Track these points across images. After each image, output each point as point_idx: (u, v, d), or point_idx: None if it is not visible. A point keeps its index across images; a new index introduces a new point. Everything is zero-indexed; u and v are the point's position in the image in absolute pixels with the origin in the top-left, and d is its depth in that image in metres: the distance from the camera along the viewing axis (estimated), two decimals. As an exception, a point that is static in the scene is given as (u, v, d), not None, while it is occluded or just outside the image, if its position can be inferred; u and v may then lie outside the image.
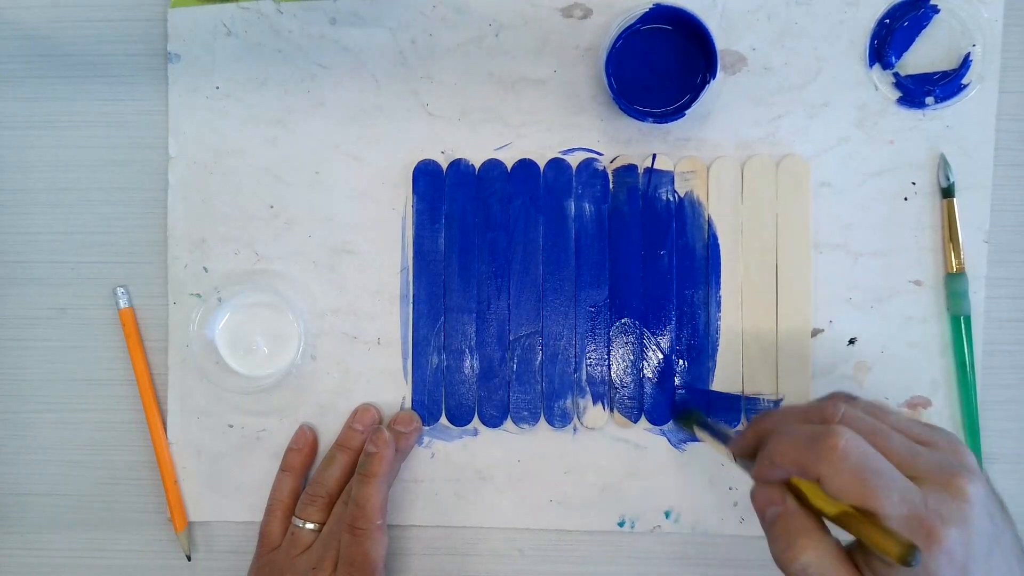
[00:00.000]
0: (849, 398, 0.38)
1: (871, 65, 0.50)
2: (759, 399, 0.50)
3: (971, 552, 0.32)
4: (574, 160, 0.50)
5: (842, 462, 0.33)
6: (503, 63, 0.51)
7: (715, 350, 0.50)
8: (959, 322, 0.49)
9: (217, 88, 0.51)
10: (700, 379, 0.50)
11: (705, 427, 0.46)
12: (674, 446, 0.50)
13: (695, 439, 0.50)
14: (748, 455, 0.39)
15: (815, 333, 0.50)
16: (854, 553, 0.34)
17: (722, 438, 0.43)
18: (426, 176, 0.51)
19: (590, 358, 0.50)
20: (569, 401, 0.50)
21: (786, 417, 0.38)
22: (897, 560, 0.30)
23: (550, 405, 0.50)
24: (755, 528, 0.50)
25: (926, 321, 0.50)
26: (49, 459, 0.53)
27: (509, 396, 0.50)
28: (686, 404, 0.50)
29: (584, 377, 0.50)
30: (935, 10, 0.49)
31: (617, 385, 0.50)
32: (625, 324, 0.50)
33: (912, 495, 0.32)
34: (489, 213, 0.51)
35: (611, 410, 0.50)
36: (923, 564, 0.31)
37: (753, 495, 0.37)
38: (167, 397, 0.52)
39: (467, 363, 0.51)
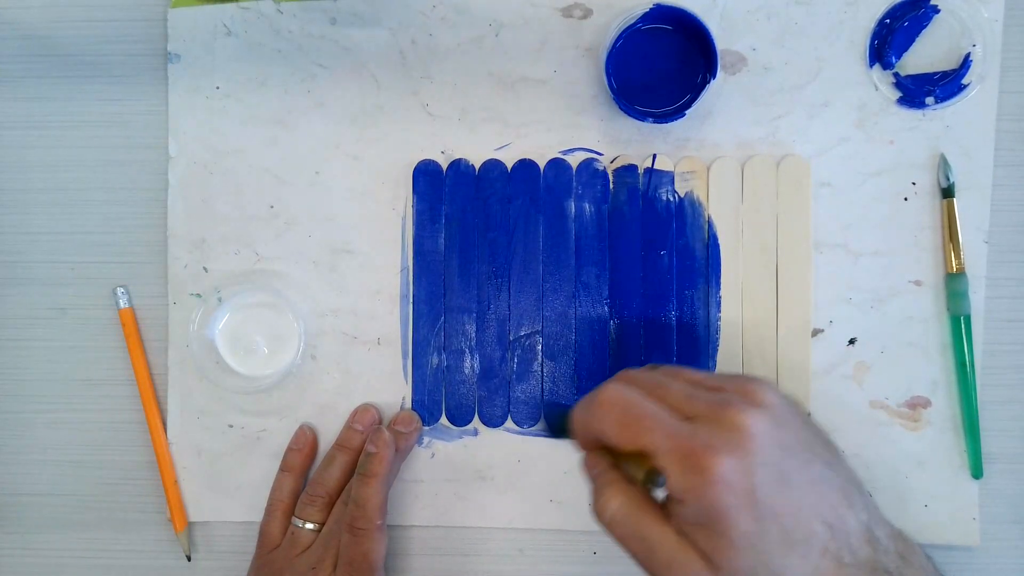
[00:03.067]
0: (652, 368, 0.40)
1: (871, 65, 0.50)
2: (759, 399, 0.50)
3: (756, 480, 0.32)
4: (574, 160, 0.50)
5: (609, 412, 0.36)
6: (503, 63, 0.51)
7: (715, 350, 0.50)
8: (959, 322, 0.49)
9: (217, 88, 0.51)
10: (700, 379, 0.50)
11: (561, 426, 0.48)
12: (674, 446, 0.51)
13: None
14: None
15: (815, 333, 0.50)
16: (670, 513, 0.35)
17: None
18: (426, 176, 0.51)
19: (590, 358, 0.50)
20: (569, 401, 0.50)
21: (579, 403, 0.39)
22: (644, 486, 0.33)
23: (550, 405, 0.50)
24: (755, 528, 0.50)
25: (926, 321, 0.50)
26: (49, 459, 0.53)
27: (509, 396, 0.50)
28: (556, 407, 0.50)
29: (584, 377, 0.50)
30: (935, 10, 0.49)
31: (617, 385, 0.50)
32: (625, 324, 0.50)
33: (679, 430, 0.33)
34: (489, 213, 0.51)
35: (611, 410, 0.50)
36: (699, 496, 0.32)
37: (582, 465, 0.39)
38: (167, 397, 0.52)
39: (467, 363, 0.51)
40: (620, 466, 0.37)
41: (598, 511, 0.36)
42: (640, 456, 0.35)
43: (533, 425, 0.51)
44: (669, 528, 0.34)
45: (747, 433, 0.33)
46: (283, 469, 0.51)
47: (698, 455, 0.32)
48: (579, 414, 0.38)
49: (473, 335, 0.51)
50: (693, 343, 0.50)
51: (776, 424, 0.34)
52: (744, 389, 0.35)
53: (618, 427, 0.35)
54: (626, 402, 0.35)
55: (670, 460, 0.33)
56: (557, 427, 0.50)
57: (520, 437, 0.51)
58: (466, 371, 0.51)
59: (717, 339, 0.50)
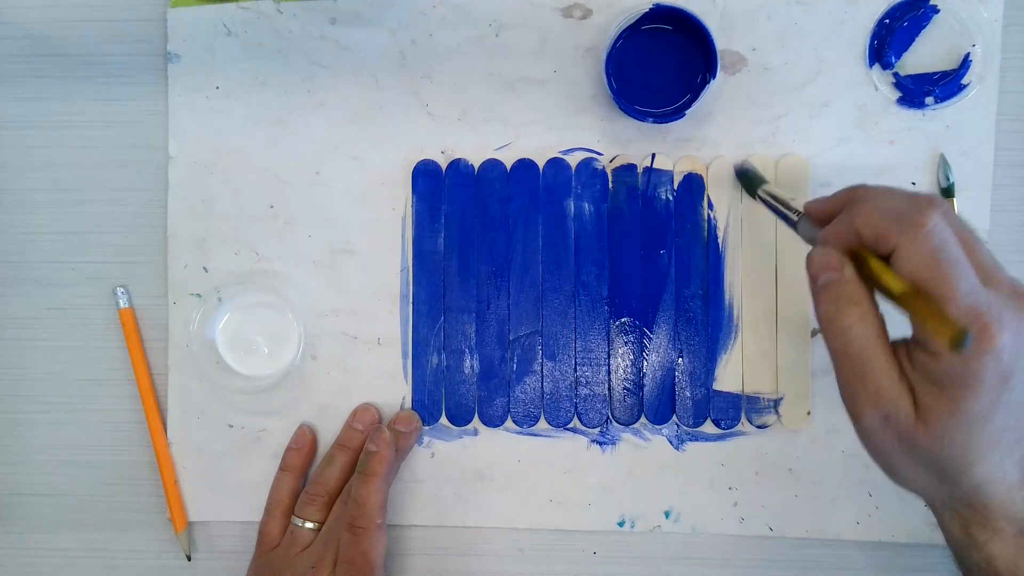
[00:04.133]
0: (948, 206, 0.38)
1: (871, 65, 0.50)
2: (759, 398, 0.50)
3: (1020, 360, 0.32)
4: (574, 160, 0.50)
5: (925, 240, 0.33)
6: (503, 63, 0.51)
7: (715, 350, 0.50)
8: (959, 322, 0.49)
9: (217, 88, 0.51)
10: (700, 379, 0.50)
11: (770, 193, 0.45)
12: (674, 446, 0.51)
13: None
14: (821, 219, 0.38)
15: (815, 333, 0.50)
16: (896, 346, 0.34)
17: (784, 204, 0.43)
18: (426, 176, 0.51)
19: (589, 358, 0.50)
20: (568, 401, 0.50)
21: (882, 190, 0.37)
22: (948, 342, 0.30)
23: (550, 405, 0.50)
24: (755, 528, 0.50)
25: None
26: (49, 459, 0.53)
27: (509, 396, 0.50)
28: (752, 169, 0.48)
29: (584, 377, 0.50)
30: (935, 10, 0.49)
31: (617, 385, 0.50)
32: (625, 324, 0.50)
33: (980, 292, 0.32)
34: (489, 213, 0.51)
35: (611, 409, 0.50)
36: (966, 360, 0.32)
37: (811, 256, 0.36)
38: (167, 397, 0.52)
39: (467, 363, 0.51)
40: (865, 278, 0.35)
41: (828, 319, 0.35)
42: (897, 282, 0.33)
43: (533, 425, 0.51)
44: (895, 364, 0.34)
45: None
46: (283, 469, 0.51)
47: (987, 322, 0.31)
48: (875, 214, 0.34)
49: (473, 335, 0.51)
50: (693, 343, 0.50)
51: None
52: None
53: (927, 261, 0.32)
54: (945, 242, 0.33)
55: (958, 315, 0.32)
56: (746, 182, 0.48)
57: (520, 437, 0.51)
58: (466, 371, 0.51)
59: (717, 339, 0.50)
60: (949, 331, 0.30)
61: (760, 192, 0.46)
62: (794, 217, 0.41)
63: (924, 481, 0.35)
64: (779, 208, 0.43)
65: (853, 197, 0.37)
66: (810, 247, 0.38)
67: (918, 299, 0.32)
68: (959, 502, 0.35)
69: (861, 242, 0.35)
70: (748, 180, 0.48)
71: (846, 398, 0.35)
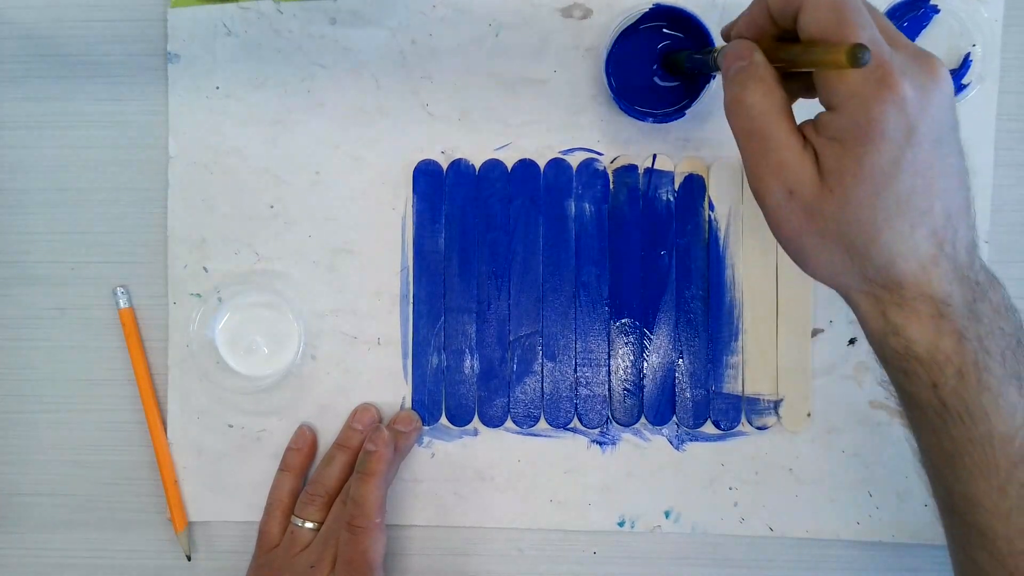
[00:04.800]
0: None
1: (871, 65, 0.49)
2: (759, 399, 0.50)
3: (923, 117, 0.31)
4: (574, 160, 0.50)
5: None
6: (503, 63, 0.51)
7: (715, 350, 0.50)
8: (959, 322, 0.49)
9: (217, 88, 0.51)
10: (700, 379, 0.50)
11: (692, 57, 0.45)
12: (674, 446, 0.51)
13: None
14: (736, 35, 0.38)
15: (815, 333, 0.50)
16: (803, 125, 0.34)
17: (704, 54, 0.42)
18: (426, 176, 0.51)
19: (590, 358, 0.50)
20: (569, 401, 0.50)
21: None
22: (845, 58, 0.29)
23: (550, 405, 0.50)
24: (755, 528, 0.50)
25: None
26: (49, 459, 0.53)
27: (509, 396, 0.50)
28: (670, 48, 0.48)
29: (584, 377, 0.50)
30: (935, 10, 0.49)
31: (617, 385, 0.50)
32: (625, 324, 0.50)
33: (881, 43, 0.32)
34: (489, 213, 0.51)
35: (611, 410, 0.50)
36: (866, 106, 0.31)
37: (724, 52, 0.36)
38: (167, 397, 0.52)
39: (467, 363, 0.51)
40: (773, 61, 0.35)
41: (732, 100, 0.35)
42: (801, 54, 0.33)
43: (533, 425, 0.51)
44: (798, 136, 0.33)
45: (939, 82, 0.32)
46: (282, 468, 0.51)
47: (889, 71, 0.31)
48: None
49: (473, 335, 0.51)
50: (693, 343, 0.50)
51: (952, 102, 0.33)
52: (929, 56, 0.34)
53: (827, 8, 0.32)
54: None
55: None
56: (672, 62, 0.48)
57: (520, 437, 0.51)
58: (466, 371, 0.51)
59: (717, 339, 0.50)
60: (844, 51, 0.30)
61: (686, 63, 0.46)
62: (715, 54, 0.40)
63: (835, 261, 0.34)
64: (702, 60, 0.42)
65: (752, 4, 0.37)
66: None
67: (816, 45, 0.32)
68: (873, 283, 0.34)
69: (771, 22, 0.35)
70: (674, 62, 0.47)
71: (751, 179, 0.35)
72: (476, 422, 0.51)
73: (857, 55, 0.29)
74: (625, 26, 0.48)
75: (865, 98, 0.31)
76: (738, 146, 0.35)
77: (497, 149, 0.51)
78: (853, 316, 0.49)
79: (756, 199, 0.35)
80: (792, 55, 0.34)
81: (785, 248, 0.36)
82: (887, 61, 0.31)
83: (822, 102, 0.34)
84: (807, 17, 0.33)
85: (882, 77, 0.31)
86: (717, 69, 0.39)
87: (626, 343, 0.50)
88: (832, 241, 0.34)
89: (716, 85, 0.48)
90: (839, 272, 0.35)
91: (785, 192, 0.33)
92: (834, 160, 0.32)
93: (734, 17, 0.49)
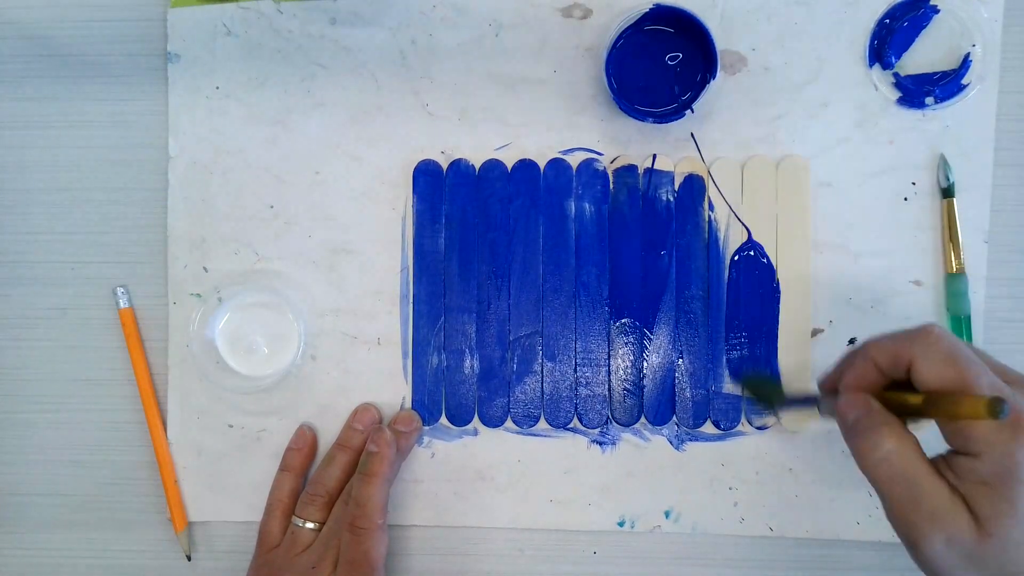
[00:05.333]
0: None
1: (871, 65, 0.50)
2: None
3: None
4: (574, 160, 0.50)
5: (936, 344, 0.35)
6: (503, 63, 0.51)
7: (715, 350, 0.50)
8: (959, 322, 0.49)
9: (217, 88, 0.51)
10: (700, 379, 0.50)
11: (786, 400, 0.47)
12: (674, 446, 0.51)
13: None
14: (834, 387, 0.40)
15: (815, 333, 0.50)
16: (936, 461, 0.35)
17: (803, 400, 0.43)
18: (426, 176, 0.51)
19: (590, 358, 0.50)
20: (569, 401, 0.50)
21: (880, 335, 0.38)
22: (986, 413, 0.30)
23: (550, 405, 0.50)
24: (755, 528, 0.50)
25: (925, 321, 0.49)
26: (49, 459, 0.53)
27: (509, 396, 0.50)
28: (763, 376, 0.49)
29: (584, 377, 0.50)
30: (935, 10, 0.49)
31: (617, 385, 0.50)
32: (625, 324, 0.50)
33: (1002, 386, 0.33)
34: (489, 213, 0.51)
35: (611, 410, 0.50)
36: (1005, 453, 0.32)
37: (838, 405, 0.37)
38: (167, 397, 0.52)
39: (467, 363, 0.51)
40: (890, 408, 0.36)
41: (865, 450, 0.35)
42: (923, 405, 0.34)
43: (533, 425, 0.51)
44: (943, 480, 0.34)
45: None
46: (283, 469, 0.51)
47: (1018, 413, 0.32)
48: (884, 342, 0.37)
49: (473, 335, 0.51)
50: (693, 343, 0.50)
51: None
52: None
53: (943, 362, 0.34)
54: (956, 344, 0.35)
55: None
56: (757, 386, 0.49)
57: (520, 437, 0.51)
58: (466, 371, 0.51)
59: (717, 339, 0.50)
60: (983, 404, 0.31)
61: (782, 405, 0.48)
62: (816, 397, 0.42)
63: None
64: (804, 403, 0.44)
65: (850, 354, 0.39)
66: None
67: (943, 398, 0.33)
68: None
69: (879, 373, 0.36)
70: (762, 397, 0.49)
71: (902, 528, 0.35)
72: (476, 422, 0.51)
73: (996, 409, 0.31)
74: (625, 26, 0.48)
75: (1005, 444, 0.32)
76: (879, 493, 0.35)
77: (497, 149, 0.51)
78: (853, 316, 0.50)
79: (905, 543, 0.35)
80: (915, 407, 0.35)
81: None
82: (1016, 405, 0.33)
83: (951, 445, 0.34)
84: (924, 372, 0.34)
85: (1015, 421, 0.32)
86: (808, 407, 0.41)
87: (626, 343, 0.50)
88: None
89: (716, 85, 0.48)
90: None
91: (943, 539, 0.34)
92: (986, 506, 0.33)
93: (734, 17, 0.49)
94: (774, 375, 0.49)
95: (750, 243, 0.50)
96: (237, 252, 0.51)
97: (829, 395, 0.40)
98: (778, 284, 0.50)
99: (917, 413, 0.35)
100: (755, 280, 0.50)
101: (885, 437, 0.35)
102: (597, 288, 0.50)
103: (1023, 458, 0.32)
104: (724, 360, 0.49)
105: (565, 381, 0.50)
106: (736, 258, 0.50)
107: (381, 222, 0.51)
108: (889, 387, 0.37)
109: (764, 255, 0.50)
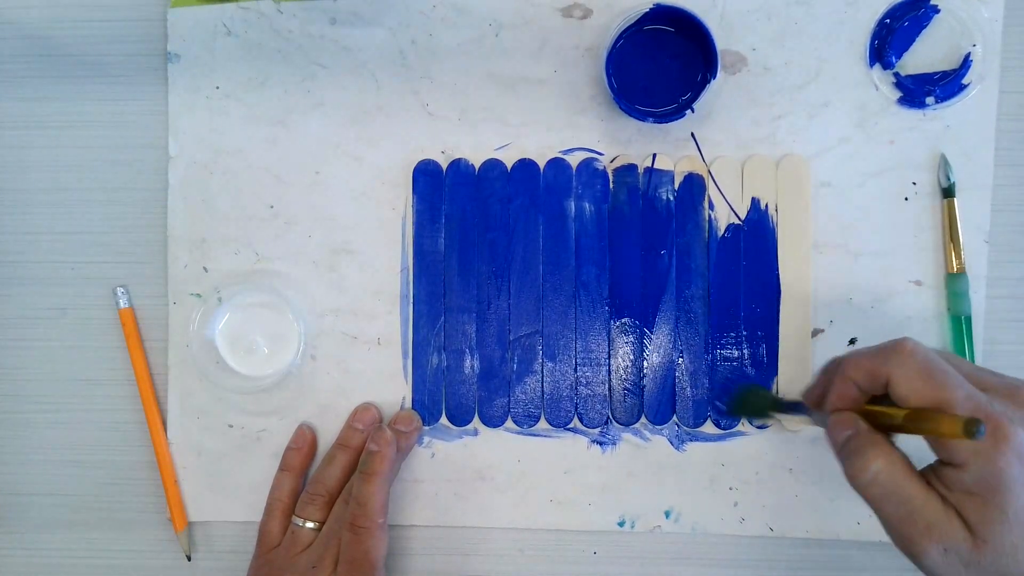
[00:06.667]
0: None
1: (871, 65, 0.50)
2: (759, 399, 0.50)
3: None
4: (574, 160, 0.50)
5: (910, 360, 0.35)
6: (503, 63, 0.51)
7: (716, 350, 0.50)
8: (959, 322, 0.49)
9: (217, 88, 0.51)
10: (700, 379, 0.50)
11: (777, 405, 0.47)
12: (674, 446, 0.50)
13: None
14: (819, 402, 0.40)
15: (815, 333, 0.50)
16: (925, 473, 0.35)
17: (794, 406, 0.43)
18: (426, 176, 0.51)
19: (590, 358, 0.50)
20: (569, 401, 0.50)
21: (853, 350, 0.39)
22: (963, 433, 0.31)
23: (550, 405, 0.50)
24: (755, 528, 0.50)
25: (926, 321, 0.50)
26: (49, 459, 0.53)
27: (509, 396, 0.50)
28: (746, 388, 0.49)
29: (584, 377, 0.50)
30: (935, 10, 0.49)
31: (617, 385, 0.50)
32: (625, 323, 0.50)
33: (978, 396, 0.34)
34: (489, 213, 0.50)
35: (611, 409, 0.50)
36: (988, 461, 0.33)
37: (827, 427, 0.38)
38: (167, 397, 0.52)
39: (467, 363, 0.51)
40: (877, 427, 0.36)
41: (855, 471, 0.36)
42: (908, 418, 0.35)
43: (533, 425, 0.51)
44: (933, 492, 0.34)
45: None
46: (283, 468, 0.51)
47: (996, 421, 0.33)
48: (860, 360, 0.37)
49: (473, 335, 0.51)
50: (693, 343, 0.50)
51: None
52: (1019, 384, 0.36)
53: (918, 377, 0.34)
54: (930, 358, 0.35)
55: (964, 413, 0.33)
56: (745, 404, 0.49)
57: (520, 437, 0.51)
58: (466, 371, 0.51)
59: (718, 339, 0.50)
60: (960, 424, 0.31)
61: (770, 414, 0.48)
62: (805, 409, 0.42)
63: None
64: (796, 409, 0.44)
65: (832, 367, 0.39)
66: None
67: (924, 415, 0.34)
68: None
69: (859, 391, 0.37)
70: (748, 410, 0.49)
71: (900, 542, 0.36)
72: (476, 422, 0.51)
73: (972, 430, 0.31)
74: (625, 26, 0.48)
75: (987, 453, 0.33)
76: (875, 511, 0.36)
77: (497, 149, 0.51)
78: (853, 316, 0.50)
79: (907, 556, 0.36)
80: (897, 423, 0.35)
81: None
82: (991, 413, 0.33)
83: (937, 456, 0.35)
84: (901, 388, 0.35)
85: (994, 430, 0.33)
86: (801, 413, 0.42)
87: (626, 342, 0.50)
88: None
89: (716, 85, 0.48)
90: None
91: (940, 551, 0.34)
92: (978, 513, 0.33)
93: (734, 17, 0.49)
94: (759, 385, 0.49)
95: (750, 243, 0.50)
96: (237, 252, 0.51)
97: (815, 408, 0.41)
98: (778, 284, 0.50)
99: (901, 429, 0.35)
100: (755, 280, 0.50)
101: (873, 458, 0.35)
102: (597, 288, 0.50)
103: (1005, 465, 0.32)
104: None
105: (565, 381, 0.50)
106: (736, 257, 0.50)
107: (381, 222, 0.51)
108: (873, 401, 0.37)
109: (765, 255, 0.50)
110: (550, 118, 0.51)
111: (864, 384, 0.37)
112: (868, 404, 0.37)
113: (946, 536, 0.34)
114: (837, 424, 0.37)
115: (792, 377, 0.50)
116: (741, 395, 0.49)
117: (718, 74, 0.48)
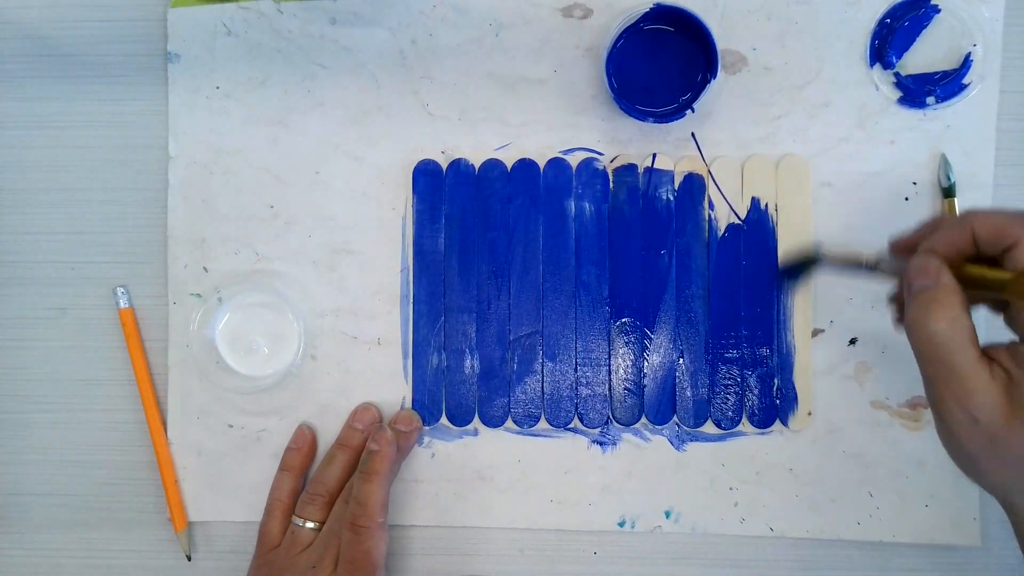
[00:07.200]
0: None
1: (872, 65, 0.49)
2: (759, 399, 0.50)
3: None
4: (574, 160, 0.50)
5: (999, 212, 0.34)
6: (503, 63, 0.51)
7: (716, 350, 0.50)
8: (960, 322, 0.49)
9: (217, 88, 0.51)
10: (700, 379, 0.50)
11: (835, 258, 0.44)
12: (675, 447, 0.50)
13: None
14: (908, 249, 0.39)
15: (815, 333, 0.50)
16: (997, 350, 0.35)
17: (853, 259, 0.42)
18: (426, 176, 0.51)
19: (590, 358, 0.50)
20: (569, 401, 0.50)
21: (985, 208, 0.38)
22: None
23: (550, 405, 0.50)
24: (755, 528, 0.50)
25: None
26: (49, 459, 0.53)
27: (509, 396, 0.50)
28: (796, 260, 0.47)
29: (585, 377, 0.50)
30: (936, 10, 0.49)
31: (617, 385, 0.50)
32: (625, 324, 0.50)
33: None
34: (489, 213, 0.50)
35: (611, 410, 0.50)
36: None
37: (911, 263, 0.37)
38: (167, 397, 0.52)
39: (467, 363, 0.51)
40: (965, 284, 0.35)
41: (917, 322, 0.35)
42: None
43: (533, 425, 0.51)
44: (985, 367, 0.34)
45: None
46: (282, 468, 0.51)
47: None
48: (991, 215, 0.35)
49: (473, 335, 0.51)
50: (693, 343, 0.50)
51: None
52: None
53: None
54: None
55: None
56: (799, 261, 0.47)
57: (520, 437, 0.51)
58: (466, 371, 0.51)
59: (718, 338, 0.50)
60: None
61: (827, 263, 0.45)
62: (871, 263, 0.41)
63: (1009, 479, 0.35)
64: (850, 264, 0.43)
65: (940, 218, 0.38)
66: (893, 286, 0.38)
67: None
68: None
69: (971, 244, 0.35)
70: (800, 268, 0.47)
71: (931, 397, 0.35)
72: (476, 422, 0.51)
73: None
74: (625, 26, 0.48)
75: None
76: (919, 362, 0.35)
77: (497, 149, 0.51)
78: (853, 316, 0.50)
79: (932, 411, 0.36)
80: (997, 282, 0.34)
81: (956, 461, 0.37)
82: None
83: (1017, 332, 0.34)
84: (1001, 225, 0.34)
85: None
86: (871, 271, 0.40)
87: (626, 343, 0.50)
88: (1014, 467, 0.34)
89: (716, 85, 0.48)
90: (1012, 491, 0.36)
91: (969, 419, 0.34)
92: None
93: (734, 17, 0.49)
94: (807, 252, 0.47)
95: (750, 243, 0.50)
96: (237, 252, 0.51)
97: (900, 254, 0.39)
98: (778, 284, 0.50)
99: (994, 289, 0.34)
100: (755, 280, 0.50)
101: (938, 317, 0.34)
102: (597, 287, 0.50)
103: None
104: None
105: (565, 381, 0.50)
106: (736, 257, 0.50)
107: (381, 222, 0.51)
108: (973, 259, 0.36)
109: (765, 255, 0.50)
110: (550, 118, 0.51)
111: (985, 239, 0.35)
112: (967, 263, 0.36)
113: (980, 407, 0.33)
114: (921, 269, 0.36)
115: (793, 374, 0.50)
116: (792, 261, 0.48)
117: (718, 74, 0.48)
